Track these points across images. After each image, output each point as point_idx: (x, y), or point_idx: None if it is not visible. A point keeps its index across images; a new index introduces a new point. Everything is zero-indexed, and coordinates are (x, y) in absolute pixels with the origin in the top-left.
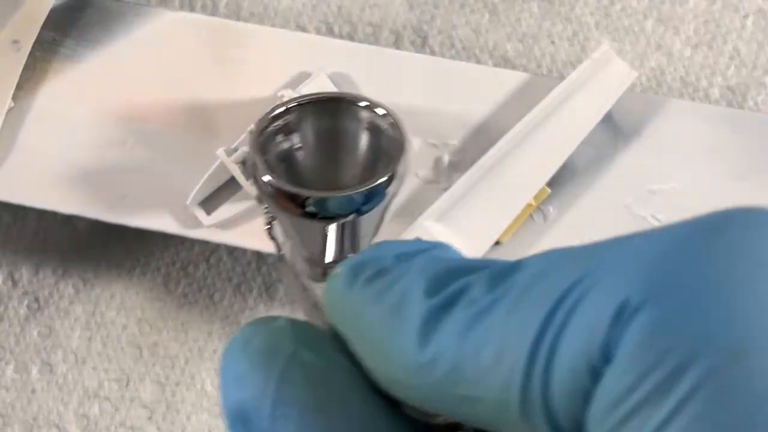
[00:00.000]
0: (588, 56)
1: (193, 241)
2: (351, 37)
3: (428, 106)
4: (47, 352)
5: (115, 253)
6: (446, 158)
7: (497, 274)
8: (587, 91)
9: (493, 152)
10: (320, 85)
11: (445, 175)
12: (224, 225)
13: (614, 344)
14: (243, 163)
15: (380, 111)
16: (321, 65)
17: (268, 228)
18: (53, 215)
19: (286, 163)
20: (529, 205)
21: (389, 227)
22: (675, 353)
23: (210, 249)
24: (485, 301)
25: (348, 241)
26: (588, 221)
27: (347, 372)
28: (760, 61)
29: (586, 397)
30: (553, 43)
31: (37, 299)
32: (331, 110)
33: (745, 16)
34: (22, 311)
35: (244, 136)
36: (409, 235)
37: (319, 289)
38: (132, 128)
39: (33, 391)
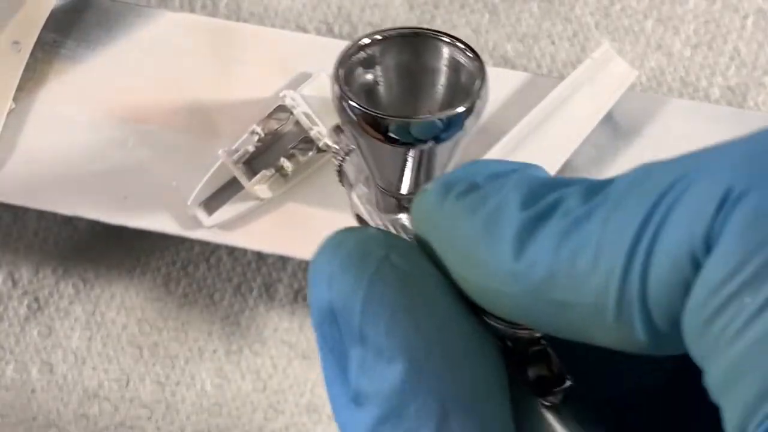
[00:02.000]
0: (588, 56)
1: (193, 242)
2: (351, 37)
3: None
4: (47, 352)
5: (115, 253)
6: None
7: (592, 186)
8: (588, 90)
9: (493, 152)
10: (321, 85)
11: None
12: (225, 226)
13: (717, 232)
14: (244, 163)
15: (461, 45)
16: (321, 65)
17: (339, 171)
18: (53, 215)
19: (367, 94)
20: None
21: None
22: None
23: (210, 249)
24: (581, 211)
25: (423, 172)
26: None
27: (436, 279)
28: (760, 61)
29: (685, 289)
30: (553, 43)
31: (37, 299)
32: (413, 45)
33: (745, 16)
34: (22, 311)
35: (245, 136)
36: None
37: (392, 221)
38: (133, 129)
39: (33, 391)
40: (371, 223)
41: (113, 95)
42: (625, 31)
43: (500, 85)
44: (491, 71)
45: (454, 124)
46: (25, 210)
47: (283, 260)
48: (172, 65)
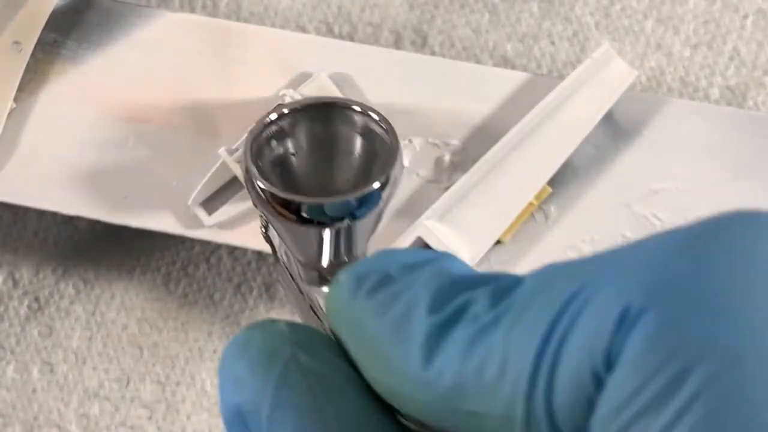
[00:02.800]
0: (588, 56)
1: (194, 241)
2: (351, 37)
3: (428, 105)
4: (48, 352)
5: (116, 253)
6: (447, 157)
7: (499, 289)
8: (587, 90)
9: (493, 151)
10: (321, 85)
11: (447, 174)
12: (225, 225)
13: (617, 351)
14: None
15: (374, 116)
16: (321, 65)
17: (264, 231)
18: (53, 215)
19: (281, 168)
20: (530, 204)
21: (391, 226)
22: (677, 358)
23: (210, 249)
24: (487, 318)
25: (343, 245)
26: (589, 220)
27: (346, 377)
28: (760, 61)
29: (589, 405)
30: (553, 43)
31: (37, 299)
32: (325, 115)
33: (745, 16)
34: (23, 311)
35: (245, 135)
36: (410, 234)
37: (315, 292)
38: (133, 129)
39: (33, 391)
40: (295, 291)
41: (114, 95)
42: (625, 31)
43: (500, 84)
44: (491, 71)
45: (369, 201)
46: (25, 210)
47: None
48: (173, 65)
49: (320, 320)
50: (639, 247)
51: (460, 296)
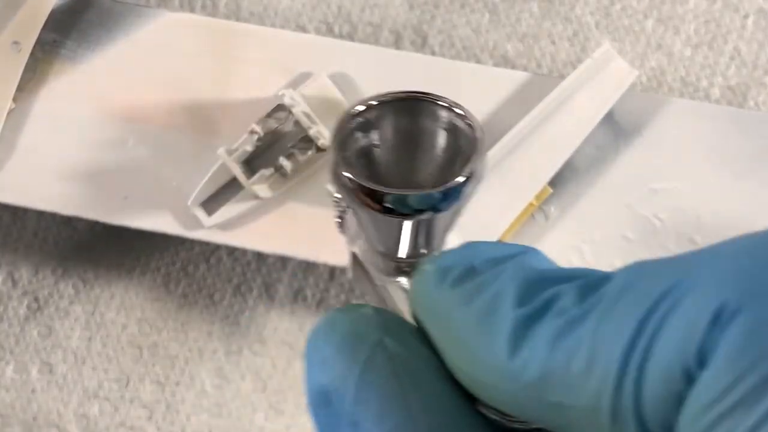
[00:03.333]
0: (588, 56)
1: (193, 242)
2: (351, 37)
3: None
4: (47, 352)
5: (115, 254)
6: None
7: (587, 284)
8: (588, 89)
9: (493, 151)
10: (321, 85)
11: None
12: (225, 226)
13: (710, 348)
14: (244, 163)
15: (459, 111)
16: (321, 65)
17: (339, 221)
18: (53, 216)
19: (365, 159)
20: (530, 205)
21: None
22: None
23: (210, 249)
24: (576, 312)
25: (422, 238)
26: (590, 220)
27: (430, 364)
28: (760, 61)
29: (678, 401)
30: (553, 43)
31: (36, 299)
32: (411, 109)
33: (745, 16)
34: (22, 311)
35: (245, 136)
36: None
37: (391, 283)
38: (133, 129)
39: (33, 391)
40: (368, 283)
41: (113, 95)
42: (625, 31)
43: (500, 84)
44: (491, 71)
45: (452, 195)
46: (24, 210)
47: (283, 260)
48: (172, 65)
49: (395, 312)
50: (733, 245)
51: (548, 290)
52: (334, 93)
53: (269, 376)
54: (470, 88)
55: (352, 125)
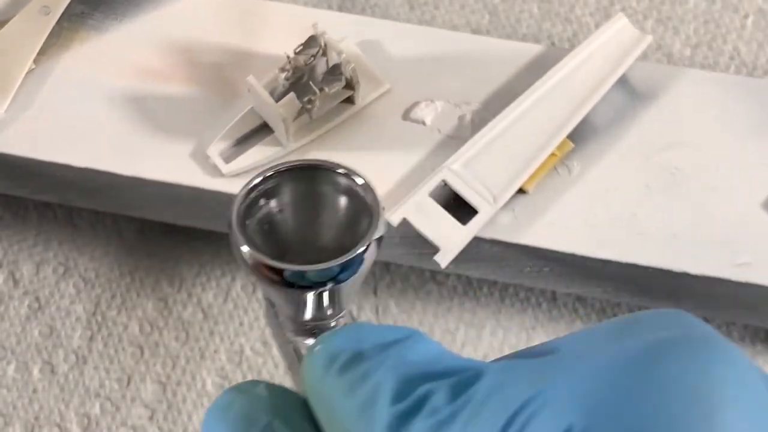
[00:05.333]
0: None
1: (193, 240)
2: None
3: (449, 73)
4: (48, 351)
5: (116, 253)
6: (468, 116)
7: (459, 383)
8: (604, 49)
9: (515, 104)
10: (347, 45)
11: (468, 130)
12: (244, 176)
13: None
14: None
15: (357, 179)
16: (340, 36)
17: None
18: (54, 215)
19: (269, 225)
20: (552, 155)
21: (415, 176)
22: None
23: (210, 249)
24: (445, 412)
25: (327, 303)
26: (610, 174)
27: None
28: (760, 61)
29: None
30: (553, 43)
31: (38, 299)
32: (309, 177)
33: (745, 16)
34: (23, 311)
35: (274, 72)
36: (435, 178)
37: (299, 343)
38: (153, 89)
39: (34, 391)
40: (282, 338)
41: (135, 60)
42: None
43: (518, 56)
44: (510, 44)
45: (352, 266)
46: (26, 208)
47: None
48: (197, 36)
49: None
50: (593, 356)
51: (423, 386)
52: (361, 60)
53: (271, 376)
54: (489, 59)
55: (253, 195)
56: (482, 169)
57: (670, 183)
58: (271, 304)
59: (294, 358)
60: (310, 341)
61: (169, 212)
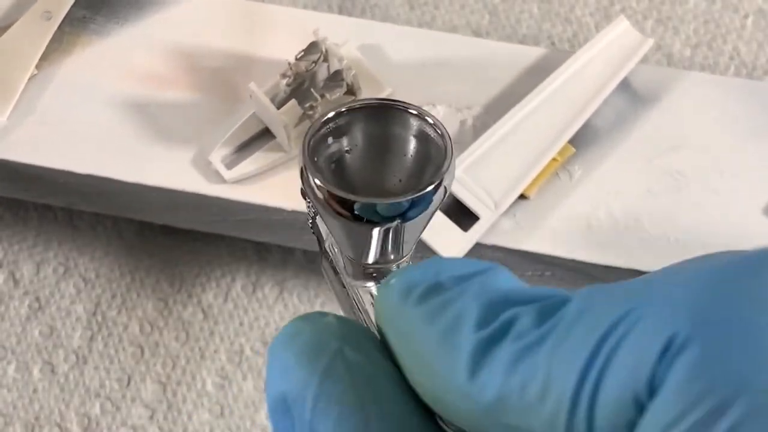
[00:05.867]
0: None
1: (193, 241)
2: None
3: (451, 76)
4: (48, 351)
5: (116, 253)
6: (470, 121)
7: (546, 307)
8: (605, 53)
9: (516, 109)
10: (348, 49)
11: (470, 135)
12: (245, 182)
13: (660, 378)
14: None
15: (429, 120)
16: (342, 40)
17: (311, 223)
18: (54, 216)
19: (335, 165)
20: (554, 161)
21: None
22: (718, 391)
23: (210, 249)
24: (533, 336)
25: (391, 244)
26: (613, 178)
27: (389, 375)
28: (759, 61)
29: (630, 429)
30: (553, 44)
31: (38, 299)
32: (381, 116)
33: (745, 16)
34: (24, 311)
35: (276, 78)
36: None
37: (359, 287)
38: (155, 95)
39: (34, 391)
40: (339, 284)
41: (137, 65)
42: None
43: (519, 59)
44: (511, 47)
45: (420, 203)
46: (26, 209)
47: (285, 259)
48: (199, 41)
49: (362, 315)
50: (686, 272)
51: (508, 311)
52: (362, 63)
53: None
54: (490, 62)
55: (323, 131)
56: (484, 175)
57: (672, 187)
58: (325, 253)
59: (353, 305)
60: (371, 285)
61: (171, 216)
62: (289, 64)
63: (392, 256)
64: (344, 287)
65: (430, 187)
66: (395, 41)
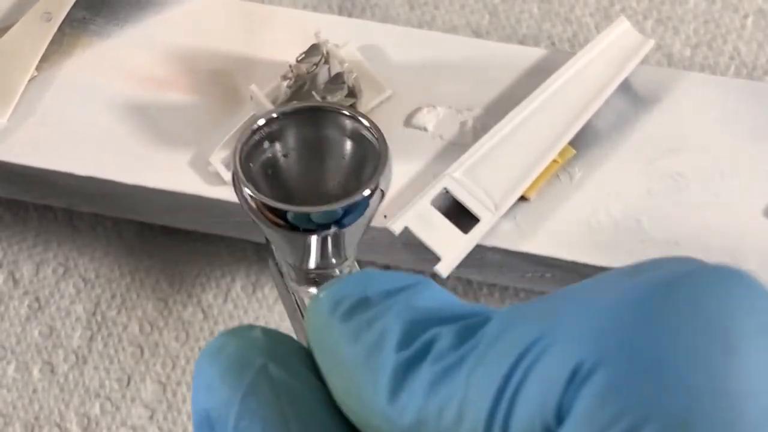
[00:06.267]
0: None
1: (193, 241)
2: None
3: (451, 77)
4: (48, 351)
5: (116, 253)
6: (470, 122)
7: (466, 328)
8: (606, 54)
9: (516, 111)
10: (349, 51)
11: (470, 136)
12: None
13: (568, 406)
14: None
15: (364, 122)
16: (342, 41)
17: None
18: (54, 216)
19: (272, 170)
20: (554, 162)
21: (417, 183)
22: (625, 418)
23: (210, 249)
24: (451, 358)
25: (331, 251)
26: (613, 180)
27: (315, 392)
28: (760, 61)
29: None
30: (553, 44)
31: (37, 299)
32: (315, 119)
33: (745, 16)
34: (23, 311)
35: (277, 81)
36: (437, 186)
37: (302, 292)
38: (156, 96)
39: (34, 391)
40: (284, 287)
41: (138, 67)
42: None
43: (520, 59)
44: (511, 48)
45: (356, 210)
46: (26, 209)
47: None
48: (200, 42)
49: (303, 321)
50: (597, 296)
51: (429, 331)
52: (362, 64)
53: None
54: (491, 63)
55: (256, 138)
56: (483, 177)
57: (673, 189)
58: (272, 255)
59: (295, 309)
60: (313, 290)
61: (172, 217)
62: (290, 66)
63: (334, 261)
64: (288, 292)
65: (366, 193)
66: (396, 42)
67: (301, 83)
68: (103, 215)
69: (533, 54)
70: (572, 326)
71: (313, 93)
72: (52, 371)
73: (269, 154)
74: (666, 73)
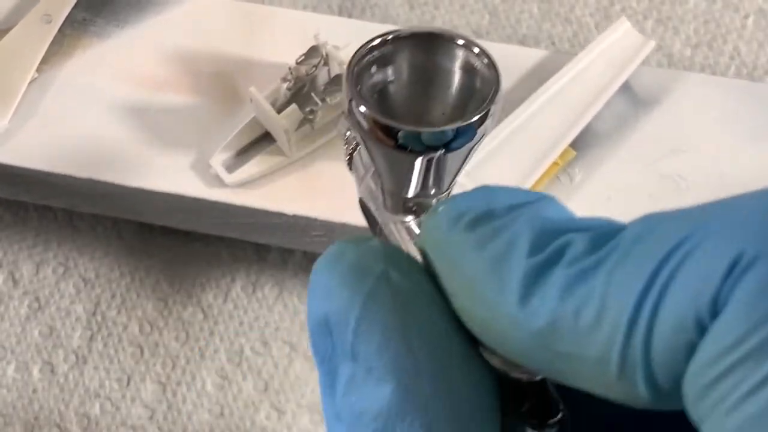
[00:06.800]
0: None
1: (193, 241)
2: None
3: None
4: (48, 351)
5: (116, 253)
6: None
7: (601, 234)
8: (607, 55)
9: (517, 113)
10: (348, 53)
11: None
12: (246, 186)
13: (724, 298)
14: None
15: (476, 50)
16: (342, 43)
17: (349, 159)
18: (54, 216)
19: (379, 94)
20: (554, 164)
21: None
22: None
23: (210, 249)
24: (588, 261)
25: (432, 177)
26: (614, 181)
27: (434, 302)
28: (760, 61)
29: (688, 352)
30: (553, 44)
31: (37, 299)
32: (427, 46)
33: (745, 16)
34: (23, 311)
35: (276, 83)
36: None
37: (397, 221)
38: (156, 98)
39: (34, 391)
40: (378, 219)
41: (138, 67)
42: None
43: (521, 60)
44: (509, 49)
45: (466, 134)
46: (26, 209)
47: (285, 258)
48: (199, 43)
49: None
50: (749, 198)
51: (561, 238)
52: None
53: (270, 376)
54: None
55: (368, 59)
56: (484, 179)
57: (673, 190)
58: (367, 185)
59: (392, 237)
60: (411, 220)
61: (172, 219)
62: (290, 68)
63: (433, 191)
64: (380, 231)
65: (476, 117)
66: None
67: (300, 85)
68: (103, 215)
69: (533, 55)
70: (729, 220)
71: (313, 95)
72: (52, 371)
73: (378, 78)
74: (666, 74)
